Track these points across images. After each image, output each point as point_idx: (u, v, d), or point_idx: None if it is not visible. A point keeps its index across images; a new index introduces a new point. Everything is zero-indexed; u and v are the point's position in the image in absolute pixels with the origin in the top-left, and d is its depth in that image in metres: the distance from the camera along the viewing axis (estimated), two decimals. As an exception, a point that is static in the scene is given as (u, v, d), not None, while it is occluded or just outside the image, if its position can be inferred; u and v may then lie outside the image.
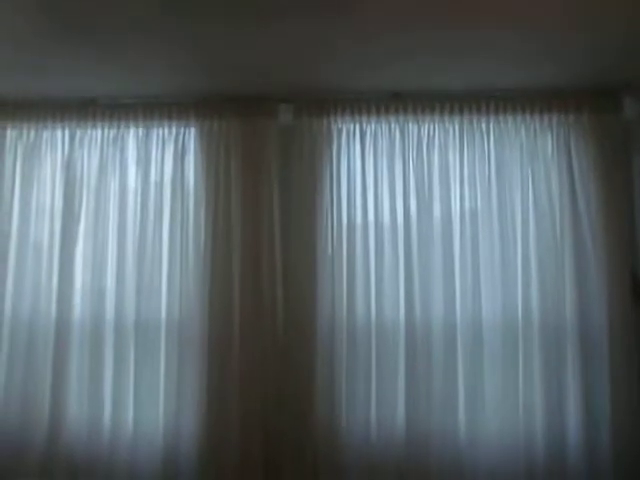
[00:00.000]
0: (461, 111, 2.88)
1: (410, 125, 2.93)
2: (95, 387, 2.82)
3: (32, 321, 2.89)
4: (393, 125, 2.93)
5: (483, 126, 2.90)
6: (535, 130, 2.89)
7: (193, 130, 2.98)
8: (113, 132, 2.99)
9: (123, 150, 2.98)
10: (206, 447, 2.74)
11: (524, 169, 2.86)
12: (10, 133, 3.05)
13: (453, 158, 2.89)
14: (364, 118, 2.93)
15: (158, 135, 2.98)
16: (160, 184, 2.94)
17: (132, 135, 2.99)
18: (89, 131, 3.00)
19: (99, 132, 3.00)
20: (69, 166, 2.98)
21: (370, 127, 2.94)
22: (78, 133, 3.00)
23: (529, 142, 2.88)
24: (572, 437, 2.71)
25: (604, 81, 2.78)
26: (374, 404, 2.76)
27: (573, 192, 2.83)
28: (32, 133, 3.03)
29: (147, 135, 2.98)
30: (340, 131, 2.96)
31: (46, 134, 3.03)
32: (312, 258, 2.94)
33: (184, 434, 2.76)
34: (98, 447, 2.78)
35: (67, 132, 3.01)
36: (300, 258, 2.89)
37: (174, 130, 2.98)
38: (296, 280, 2.88)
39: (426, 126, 2.92)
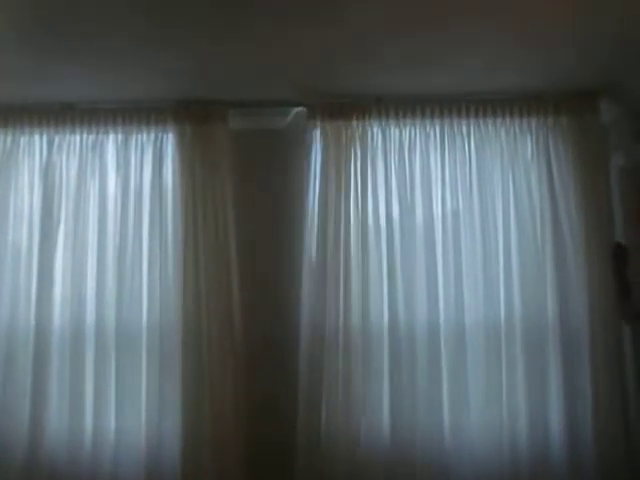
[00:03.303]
0: (442, 115, 2.89)
1: (392, 129, 2.92)
2: (76, 395, 2.78)
3: (11, 328, 2.84)
4: (375, 129, 2.93)
5: (464, 129, 2.91)
6: (515, 133, 2.90)
7: (170, 136, 2.95)
8: (92, 137, 2.96)
9: (102, 156, 2.95)
10: (189, 455, 2.71)
11: (504, 172, 2.88)
12: (-14, 139, 2.99)
13: (434, 161, 2.90)
14: (346, 122, 2.91)
15: (137, 140, 2.95)
16: (139, 190, 2.91)
17: (111, 141, 2.96)
18: (67, 137, 2.96)
19: (78, 138, 2.96)
20: (47, 172, 2.93)
21: (351, 131, 2.92)
22: (56, 139, 2.96)
23: (509, 145, 2.89)
24: (555, 438, 2.72)
25: (582, 85, 2.81)
26: (359, 408, 2.74)
27: (553, 194, 2.84)
28: (9, 139, 2.97)
29: (126, 141, 2.95)
30: (323, 135, 2.93)
31: (23, 140, 2.98)
32: (295, 262, 2.94)
33: (167, 442, 2.73)
34: (80, 456, 2.74)
35: (45, 138, 2.96)
36: (283, 262, 2.91)
37: (152, 135, 2.95)
38: (278, 285, 2.91)
39: (407, 130, 2.92)
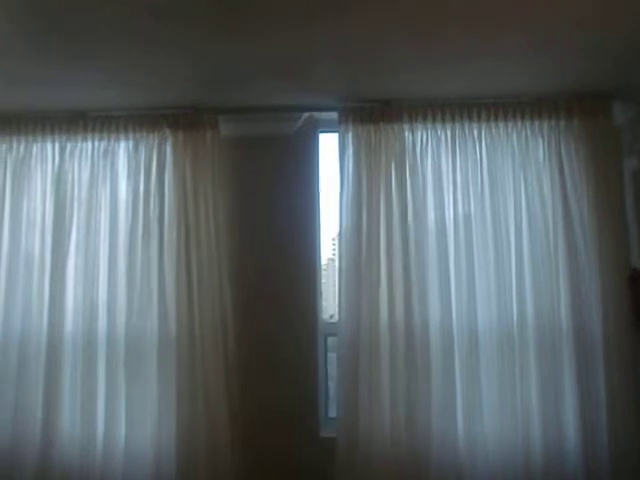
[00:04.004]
0: (453, 118, 2.88)
1: (405, 133, 2.90)
2: (88, 403, 2.78)
3: (24, 336, 2.85)
4: (386, 133, 2.89)
5: (475, 133, 2.89)
6: (526, 136, 2.88)
7: (177, 141, 2.94)
8: (103, 144, 2.97)
9: (113, 162, 2.96)
10: (184, 467, 2.71)
11: (516, 175, 2.85)
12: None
13: (446, 165, 2.88)
14: (357, 126, 2.90)
15: (146, 147, 2.95)
16: (147, 196, 2.91)
17: (122, 147, 2.97)
18: (79, 144, 2.98)
19: (89, 144, 2.97)
20: (59, 179, 2.95)
21: (363, 135, 2.90)
22: (68, 146, 2.98)
23: (521, 148, 2.87)
24: (570, 443, 2.69)
25: (594, 86, 2.79)
26: (374, 411, 2.71)
27: (565, 197, 2.82)
28: (22, 146, 3.00)
29: (135, 147, 2.96)
30: (354, 138, 2.91)
31: (36, 147, 3.00)
32: (309, 265, 2.98)
33: (174, 451, 2.72)
34: (91, 464, 2.74)
35: (57, 145, 2.99)
36: (297, 266, 2.95)
37: (157, 142, 2.95)
38: (292, 289, 2.94)
39: (419, 134, 2.90)
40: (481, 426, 2.69)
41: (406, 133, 2.90)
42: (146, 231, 2.88)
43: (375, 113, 2.89)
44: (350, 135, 2.89)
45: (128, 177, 2.94)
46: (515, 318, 2.76)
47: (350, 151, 2.88)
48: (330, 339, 3.07)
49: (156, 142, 2.95)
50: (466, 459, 2.67)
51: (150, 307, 2.83)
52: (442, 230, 2.81)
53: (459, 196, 2.85)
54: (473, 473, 2.67)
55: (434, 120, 2.89)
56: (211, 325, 2.79)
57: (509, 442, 2.69)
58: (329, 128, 3.12)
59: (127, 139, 2.97)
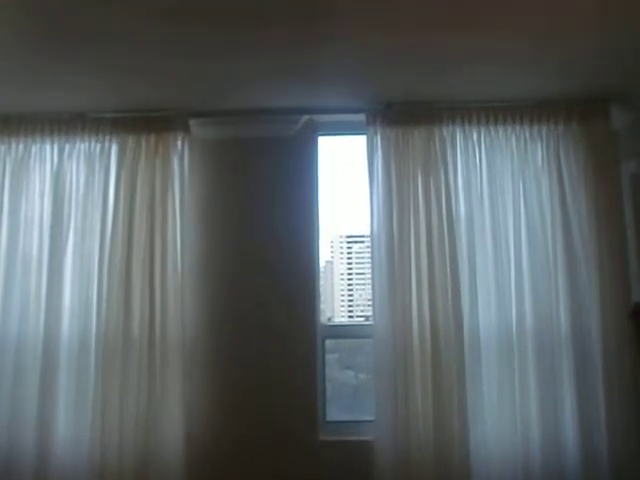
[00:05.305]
0: (453, 122, 2.88)
1: (427, 135, 2.88)
2: (83, 404, 2.76)
3: (20, 336, 2.83)
4: (412, 135, 2.89)
5: (474, 136, 2.89)
6: (525, 140, 2.88)
7: (150, 144, 2.95)
8: (99, 146, 2.97)
9: (107, 164, 2.94)
10: (193, 465, 2.71)
11: (515, 178, 2.85)
12: (-2, 147, 3.02)
13: (449, 167, 2.86)
14: (386, 129, 2.89)
15: (129, 149, 2.93)
16: (126, 198, 2.90)
17: (114, 149, 2.95)
18: (77, 145, 2.98)
19: (87, 146, 2.97)
20: (58, 180, 2.95)
21: (392, 138, 2.89)
22: (67, 147, 2.98)
23: (520, 151, 2.87)
24: (569, 448, 2.68)
25: (593, 91, 2.80)
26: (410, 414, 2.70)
27: (564, 201, 2.82)
28: (21, 147, 3.00)
29: (122, 149, 2.94)
30: (383, 140, 2.90)
31: (35, 148, 3.00)
32: (309, 268, 2.98)
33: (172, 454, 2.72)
34: (86, 466, 2.72)
35: (56, 146, 2.98)
36: (296, 269, 2.96)
37: (135, 144, 2.95)
38: (291, 292, 2.94)
39: (435, 137, 2.88)
40: (483, 435, 2.68)
41: (429, 135, 2.88)
42: (124, 232, 2.86)
43: (403, 116, 2.88)
44: (379, 138, 2.89)
45: (115, 178, 2.93)
46: (514, 325, 2.76)
47: (379, 153, 2.88)
48: (328, 342, 3.08)
49: (135, 144, 2.94)
50: (474, 464, 2.66)
51: (119, 309, 2.81)
52: (451, 233, 2.80)
53: (460, 199, 2.85)
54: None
55: (440, 122, 2.88)
56: (174, 331, 2.79)
57: (509, 450, 2.68)
58: (328, 131, 3.14)
59: (118, 141, 2.96)
